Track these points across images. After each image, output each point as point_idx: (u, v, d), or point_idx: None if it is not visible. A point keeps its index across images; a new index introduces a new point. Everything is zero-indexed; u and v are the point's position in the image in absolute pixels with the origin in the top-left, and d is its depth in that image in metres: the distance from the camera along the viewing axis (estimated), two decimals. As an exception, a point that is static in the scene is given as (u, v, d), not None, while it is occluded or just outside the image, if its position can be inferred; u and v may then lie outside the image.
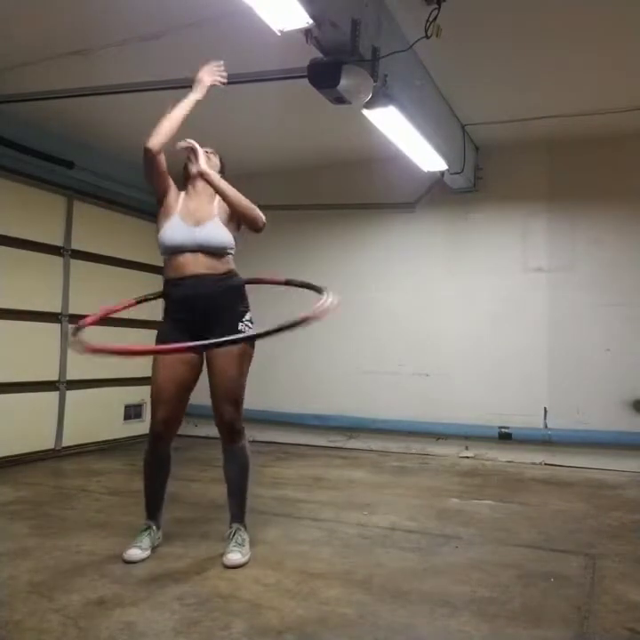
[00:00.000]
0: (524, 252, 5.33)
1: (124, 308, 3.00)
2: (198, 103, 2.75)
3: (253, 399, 5.27)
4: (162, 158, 2.67)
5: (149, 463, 2.77)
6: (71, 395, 5.26)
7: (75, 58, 3.75)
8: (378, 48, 3.08)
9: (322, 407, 5.75)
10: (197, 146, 2.77)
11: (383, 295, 5.65)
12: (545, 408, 5.14)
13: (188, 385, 2.74)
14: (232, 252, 2.79)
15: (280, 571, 2.58)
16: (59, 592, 2.31)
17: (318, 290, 2.66)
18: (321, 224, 6.01)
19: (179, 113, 2.67)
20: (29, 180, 4.93)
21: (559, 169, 5.23)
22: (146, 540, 2.71)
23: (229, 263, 2.78)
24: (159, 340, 2.74)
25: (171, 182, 2.80)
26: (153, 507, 2.80)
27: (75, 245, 5.33)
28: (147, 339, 2.79)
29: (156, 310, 2.83)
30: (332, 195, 5.92)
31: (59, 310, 5.20)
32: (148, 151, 2.60)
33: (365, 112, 3.63)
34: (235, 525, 2.74)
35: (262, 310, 3.09)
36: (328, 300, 2.42)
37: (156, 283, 2.86)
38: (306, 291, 2.87)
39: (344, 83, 2.96)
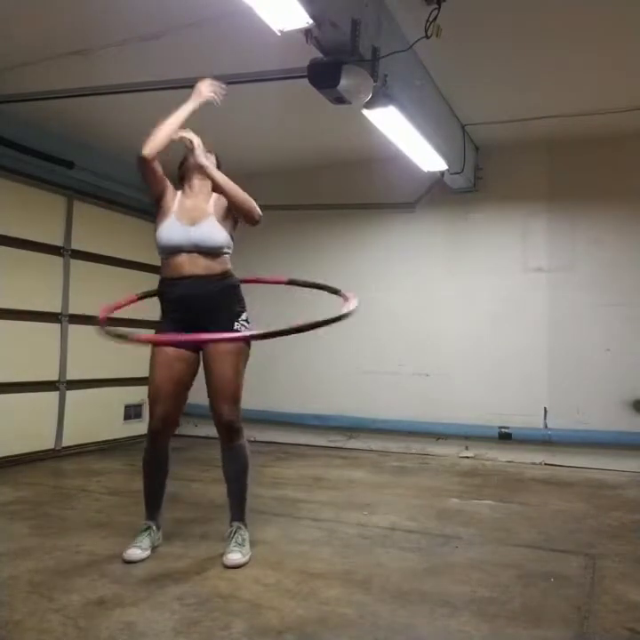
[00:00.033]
0: (524, 252, 5.34)
1: (129, 302, 2.98)
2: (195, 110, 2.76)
3: (253, 399, 5.30)
4: (156, 165, 2.68)
5: (148, 462, 2.77)
6: (71, 395, 5.26)
7: (75, 58, 3.75)
8: (378, 48, 3.08)
9: (322, 407, 5.76)
10: (197, 138, 2.76)
11: (383, 295, 5.64)
12: (545, 408, 5.14)
13: (186, 383, 2.74)
14: (229, 251, 2.79)
15: (280, 571, 2.58)
16: (59, 592, 2.31)
17: (331, 290, 2.69)
18: (321, 224, 6.01)
19: (173, 121, 2.68)
20: (29, 180, 4.93)
21: (559, 169, 5.23)
22: (146, 540, 2.71)
23: (226, 263, 2.77)
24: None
25: (167, 184, 2.80)
26: (152, 506, 2.80)
27: (75, 245, 5.33)
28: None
29: (154, 310, 2.82)
30: (331, 195, 5.92)
31: (59, 310, 5.21)
32: (142, 159, 2.63)
33: (365, 112, 3.63)
34: (235, 524, 2.74)
35: (261, 310, 3.10)
36: (354, 299, 2.62)
37: (155, 283, 2.86)
38: (304, 292, 2.87)
39: (344, 83, 2.96)
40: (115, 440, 5.65)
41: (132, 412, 5.89)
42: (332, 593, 2.36)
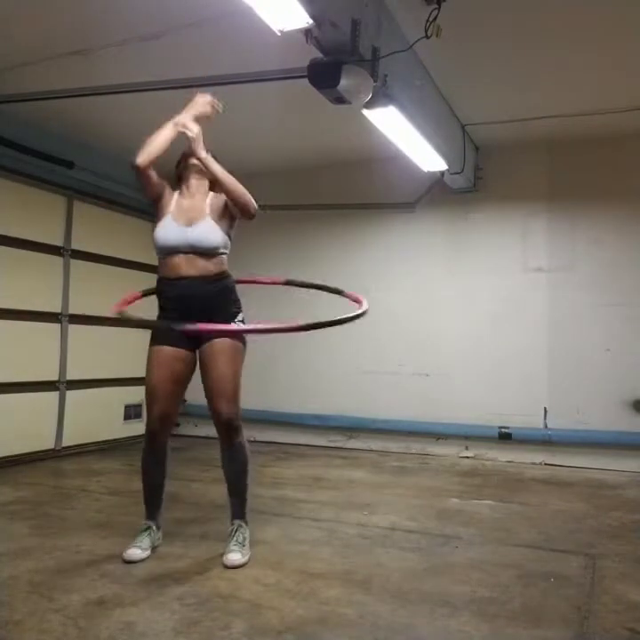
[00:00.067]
0: (524, 252, 5.34)
1: (134, 299, 2.97)
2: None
3: (253, 399, 5.31)
4: (151, 172, 2.70)
5: (147, 462, 2.77)
6: (71, 395, 5.26)
7: (75, 58, 3.75)
8: (378, 48, 3.08)
9: (322, 407, 5.75)
10: (197, 127, 2.73)
11: (383, 295, 5.63)
12: (545, 408, 5.14)
13: (183, 382, 2.75)
14: (226, 251, 2.79)
15: (280, 571, 2.58)
16: (59, 592, 2.31)
17: (332, 290, 2.70)
18: (321, 224, 6.01)
19: (167, 132, 2.68)
20: (29, 180, 4.93)
21: (559, 169, 5.23)
22: (146, 540, 2.71)
23: (222, 264, 2.77)
24: (153, 337, 2.75)
25: (164, 186, 2.81)
26: (152, 506, 2.80)
27: (75, 245, 5.33)
28: (142, 338, 2.80)
29: (152, 310, 2.82)
30: (332, 195, 5.92)
31: (59, 310, 5.21)
32: (136, 168, 2.65)
33: (365, 112, 3.63)
34: (236, 522, 2.74)
35: (258, 312, 3.10)
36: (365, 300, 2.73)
37: (155, 282, 2.87)
38: (301, 293, 2.88)
39: (344, 83, 2.96)
40: (115, 440, 5.65)
41: (131, 412, 5.89)
42: (331, 593, 2.36)
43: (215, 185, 2.82)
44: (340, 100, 3.12)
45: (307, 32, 2.74)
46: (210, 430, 2.79)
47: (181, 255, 2.68)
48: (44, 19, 3.40)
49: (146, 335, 2.81)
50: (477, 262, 5.47)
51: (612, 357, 4.96)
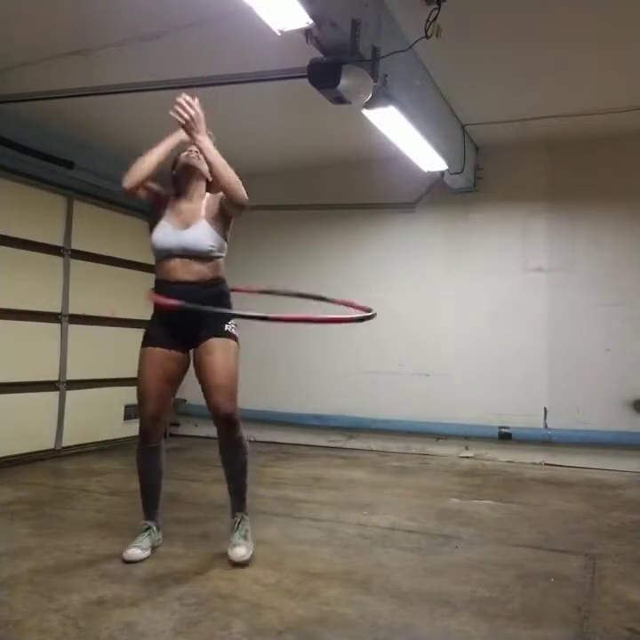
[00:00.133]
0: (524, 252, 5.34)
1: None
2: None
3: (253, 399, 5.32)
4: (140, 192, 2.69)
5: (142, 461, 2.78)
6: (71, 395, 5.26)
7: (75, 58, 3.75)
8: (378, 48, 3.08)
9: (322, 407, 5.75)
10: (201, 113, 2.66)
11: (383, 295, 5.63)
12: (545, 408, 5.14)
13: (174, 382, 2.76)
14: (221, 254, 2.77)
15: (280, 571, 2.58)
16: (59, 592, 2.31)
17: (315, 297, 2.70)
18: (321, 224, 6.01)
19: (157, 153, 2.67)
20: (29, 180, 4.93)
21: (559, 169, 5.23)
22: (146, 541, 2.72)
23: (218, 269, 2.76)
24: (146, 338, 2.75)
25: (160, 193, 2.80)
26: (150, 506, 2.81)
27: (75, 245, 5.33)
28: (137, 338, 2.79)
29: (146, 310, 2.82)
30: (332, 195, 5.92)
31: (59, 310, 5.20)
32: (125, 191, 2.65)
33: (365, 112, 3.63)
34: (239, 515, 2.74)
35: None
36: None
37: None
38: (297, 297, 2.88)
39: (344, 83, 2.96)
40: (115, 440, 5.65)
41: (132, 412, 5.88)
42: (331, 593, 2.36)
43: (212, 186, 2.82)
44: (339, 100, 3.11)
45: (307, 32, 2.74)
46: (210, 430, 2.79)
47: (177, 259, 2.68)
48: (43, 19, 3.40)
49: (139, 335, 2.81)
50: (477, 262, 5.47)
51: (612, 357, 4.96)
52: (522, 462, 5.09)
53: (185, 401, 5.97)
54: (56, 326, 5.19)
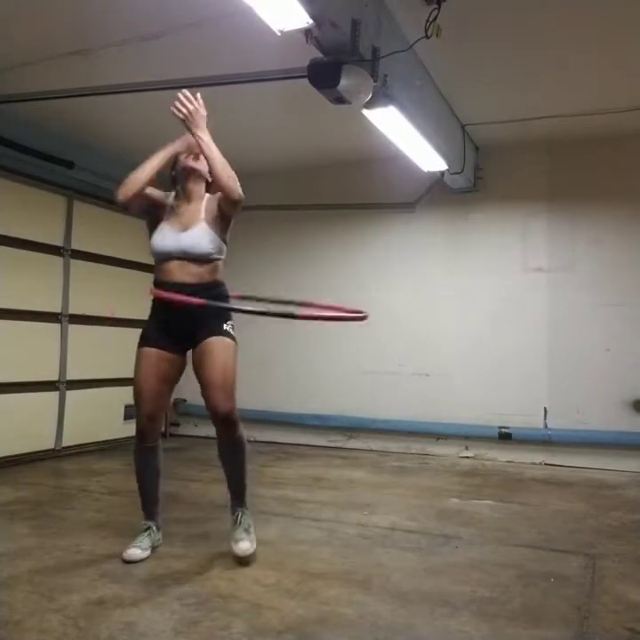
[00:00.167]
0: (524, 252, 5.34)
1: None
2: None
3: (253, 399, 5.32)
4: (136, 202, 2.69)
5: (140, 461, 2.78)
6: (71, 395, 5.26)
7: (75, 58, 3.75)
8: (378, 48, 3.08)
9: (322, 407, 5.75)
10: (204, 110, 2.65)
11: (383, 295, 5.64)
12: (545, 408, 5.14)
13: (170, 382, 2.77)
14: (220, 257, 2.77)
15: (280, 571, 2.58)
16: (59, 592, 2.31)
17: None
18: (321, 224, 6.01)
19: (151, 165, 2.66)
20: (29, 180, 4.92)
21: (559, 169, 5.23)
22: (146, 541, 2.72)
23: (216, 271, 2.76)
24: (143, 338, 2.75)
25: (157, 198, 2.79)
26: (149, 506, 2.81)
27: (75, 245, 5.32)
28: (137, 338, 2.80)
29: (146, 310, 2.82)
30: (332, 195, 5.92)
31: (59, 310, 5.20)
32: (119, 203, 2.65)
33: (365, 112, 3.63)
34: (239, 510, 2.75)
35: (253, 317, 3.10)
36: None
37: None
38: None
39: (344, 83, 2.96)
40: (115, 440, 5.64)
41: (132, 412, 5.82)
42: (331, 593, 2.36)
43: (211, 186, 2.81)
44: (340, 100, 3.12)
45: (307, 32, 2.74)
46: (210, 430, 2.79)
47: (175, 261, 2.68)
48: (43, 19, 3.40)
49: (136, 334, 2.81)
50: (477, 262, 5.47)
51: (612, 357, 4.96)
52: (522, 462, 5.09)
53: (185, 401, 5.98)
54: (56, 326, 5.19)
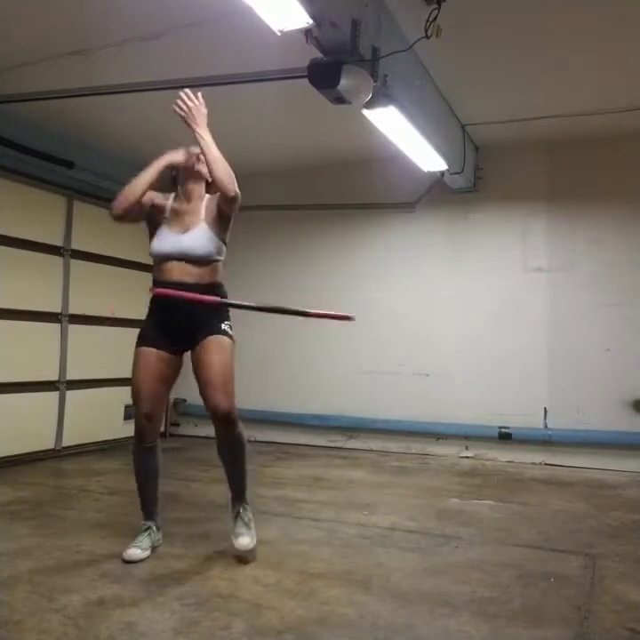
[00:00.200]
0: (524, 252, 5.33)
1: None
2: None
3: (253, 399, 5.33)
4: (131, 216, 2.73)
5: (139, 461, 2.78)
6: (71, 395, 5.26)
7: (75, 58, 3.75)
8: (378, 48, 3.08)
9: (322, 407, 5.75)
10: (204, 109, 2.67)
11: (383, 295, 5.65)
12: (545, 408, 5.14)
13: (168, 382, 2.77)
14: (220, 258, 2.77)
15: (280, 571, 2.58)
16: (59, 592, 2.31)
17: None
18: (321, 224, 6.01)
19: (145, 176, 2.68)
20: (29, 180, 4.92)
21: (559, 169, 5.23)
22: (146, 541, 2.72)
23: (216, 272, 2.76)
24: (140, 338, 2.76)
25: (157, 202, 2.80)
26: (149, 506, 2.81)
27: (75, 245, 5.32)
28: (134, 337, 2.80)
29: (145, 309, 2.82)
30: (332, 195, 5.92)
31: (59, 310, 5.20)
32: (113, 217, 2.70)
33: (365, 112, 3.63)
34: (239, 505, 2.75)
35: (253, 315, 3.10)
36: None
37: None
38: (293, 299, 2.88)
39: (344, 83, 2.96)
40: (115, 440, 5.64)
41: (131, 412, 5.85)
42: (332, 593, 2.36)
43: (211, 187, 2.81)
44: (340, 100, 3.12)
45: (307, 32, 2.73)
46: (210, 430, 2.79)
47: (174, 262, 2.69)
48: (43, 19, 3.40)
49: (134, 334, 2.81)
50: (477, 262, 5.47)
51: (612, 357, 4.96)
52: (522, 462, 5.09)
53: (185, 401, 5.98)
54: (56, 326, 5.19)
